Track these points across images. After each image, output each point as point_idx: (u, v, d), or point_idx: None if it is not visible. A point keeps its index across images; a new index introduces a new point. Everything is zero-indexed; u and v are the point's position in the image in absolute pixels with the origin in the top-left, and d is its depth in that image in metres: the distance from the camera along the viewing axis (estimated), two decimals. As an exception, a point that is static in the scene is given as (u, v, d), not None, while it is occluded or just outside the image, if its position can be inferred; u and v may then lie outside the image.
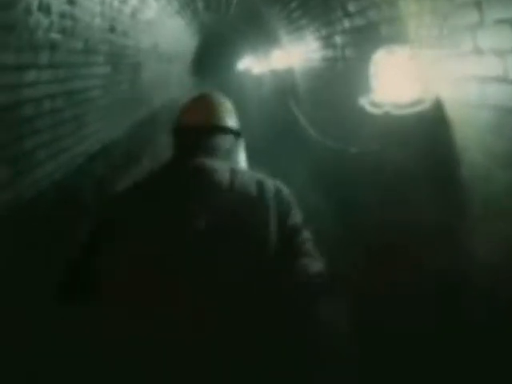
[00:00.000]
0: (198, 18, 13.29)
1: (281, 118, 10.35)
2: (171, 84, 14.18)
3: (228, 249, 2.09)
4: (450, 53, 2.75)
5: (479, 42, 2.46)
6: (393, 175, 3.83)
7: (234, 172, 2.31)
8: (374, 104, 3.19)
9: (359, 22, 4.54)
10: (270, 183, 2.34)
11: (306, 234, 2.27)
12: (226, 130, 2.53)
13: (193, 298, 2.01)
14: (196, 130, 2.48)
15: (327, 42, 6.11)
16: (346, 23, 5.02)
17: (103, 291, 2.13)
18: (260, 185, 2.28)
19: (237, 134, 2.60)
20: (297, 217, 2.30)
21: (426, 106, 3.01)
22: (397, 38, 3.47)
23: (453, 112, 2.92)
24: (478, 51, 2.48)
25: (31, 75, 4.29)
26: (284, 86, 10.51)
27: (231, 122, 2.59)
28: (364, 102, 3.28)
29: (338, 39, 5.53)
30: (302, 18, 7.27)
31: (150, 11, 8.84)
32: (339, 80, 5.86)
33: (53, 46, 4.64)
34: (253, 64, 17.45)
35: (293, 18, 7.88)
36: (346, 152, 4.56)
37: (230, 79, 20.97)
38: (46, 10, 4.28)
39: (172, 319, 2.02)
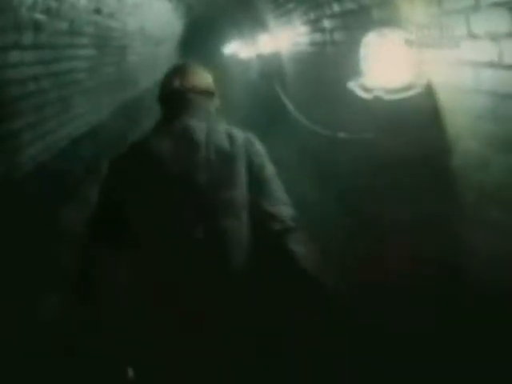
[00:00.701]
0: (184, 0, 13.19)
1: (267, 103, 10.30)
2: (158, 67, 14.10)
3: (209, 197, 2.43)
4: (444, 37, 2.70)
5: (474, 26, 2.42)
6: (383, 161, 3.80)
7: (209, 130, 2.56)
8: (364, 88, 3.15)
9: (350, 5, 4.49)
10: (241, 137, 2.61)
11: (278, 183, 2.58)
12: (203, 92, 2.76)
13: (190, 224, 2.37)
14: (175, 93, 2.72)
15: (315, 25, 6.05)
16: (336, 7, 4.96)
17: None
18: (231, 139, 2.57)
19: (212, 94, 2.83)
20: (269, 168, 2.60)
21: (417, 91, 2.96)
22: (389, 21, 3.43)
23: (446, 97, 2.88)
24: (473, 35, 2.44)
25: (15, 56, 4.22)
26: (271, 71, 10.46)
27: (206, 84, 2.82)
28: (354, 85, 3.23)
29: (327, 23, 5.48)
30: (289, 2, 7.20)
31: (137, -7, 8.76)
32: (327, 65, 5.82)
33: (37, 27, 4.57)
34: (240, 48, 17.37)
35: (280, 1, 7.81)
36: (335, 137, 4.52)
37: (217, 63, 20.88)
38: (29, -12, 4.21)
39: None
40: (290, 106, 7.45)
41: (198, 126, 2.57)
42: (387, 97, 3.01)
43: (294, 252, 2.35)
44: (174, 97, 2.72)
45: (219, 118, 2.80)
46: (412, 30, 2.98)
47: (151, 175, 2.47)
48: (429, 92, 2.97)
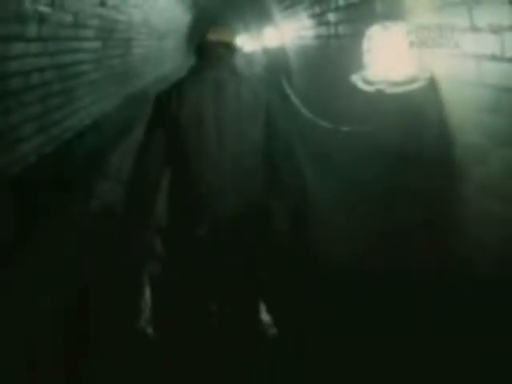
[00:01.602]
0: (190, -7, 13.20)
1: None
2: (163, 60, 14.11)
3: (234, 134, 3.11)
4: (446, 30, 2.69)
5: (476, 18, 2.41)
6: (385, 154, 3.79)
7: (237, 83, 3.18)
8: (367, 81, 3.14)
9: (353, -2, 4.49)
10: (265, 94, 3.23)
11: (287, 140, 3.25)
12: (229, 45, 3.32)
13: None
14: (208, 45, 3.26)
15: (320, 19, 6.05)
16: (340, 0, 4.96)
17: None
18: (257, 94, 3.18)
19: (235, 49, 3.40)
20: (282, 126, 3.24)
21: (420, 84, 2.96)
22: (392, 14, 3.42)
23: (448, 90, 2.87)
24: (475, 28, 2.42)
25: (18, 47, 4.22)
26: (276, 64, 10.46)
27: (232, 39, 3.40)
28: (356, 78, 3.23)
29: (332, 16, 5.47)
30: (295, -5, 7.21)
31: (142, -15, 8.74)
32: (332, 58, 5.81)
33: (41, 19, 4.57)
34: (245, 41, 17.37)
35: (286, -6, 7.82)
36: (338, 130, 4.52)
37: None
38: (33, -19, 4.20)
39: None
40: (294, 98, 7.45)
41: (228, 78, 3.18)
42: (390, 90, 3.00)
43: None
44: (207, 49, 3.26)
45: (243, 72, 3.42)
46: (415, 22, 2.97)
47: (187, 114, 3.09)
48: (431, 85, 2.96)
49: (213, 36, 3.27)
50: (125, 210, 3.25)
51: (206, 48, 3.26)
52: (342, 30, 5.22)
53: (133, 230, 3.17)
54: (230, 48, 3.31)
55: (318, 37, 6.45)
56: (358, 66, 3.24)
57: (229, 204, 3.10)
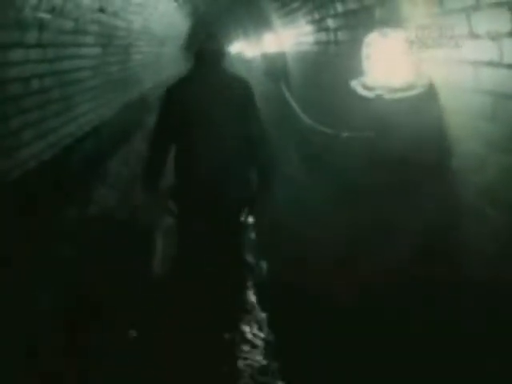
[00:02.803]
0: (190, 0, 13.20)
1: (271, 101, 10.29)
2: (162, 66, 14.11)
3: (222, 114, 4.13)
4: (445, 36, 2.70)
5: (475, 25, 2.42)
6: (383, 160, 3.79)
7: (222, 80, 4.28)
8: (366, 87, 3.15)
9: (352, 5, 4.49)
10: (241, 83, 4.38)
11: (263, 125, 4.34)
12: (220, 52, 4.37)
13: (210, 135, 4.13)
14: (203, 53, 4.26)
15: (319, 25, 6.06)
16: (339, 7, 4.97)
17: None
18: (239, 87, 4.30)
19: (224, 54, 4.45)
20: (258, 111, 4.34)
21: (419, 90, 2.96)
22: (391, 21, 3.43)
23: (446, 97, 2.88)
24: (474, 35, 2.43)
25: (18, 54, 4.23)
26: (275, 70, 10.47)
27: (223, 47, 4.47)
28: (356, 84, 3.24)
29: (331, 22, 5.48)
30: (294, 1, 7.21)
31: (141, -8, 8.74)
32: (331, 64, 5.82)
33: (41, 26, 4.58)
34: (245, 47, 17.39)
35: (285, 0, 7.82)
36: (337, 136, 4.53)
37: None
38: (33, -13, 4.21)
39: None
40: (294, 104, 7.45)
41: (217, 76, 4.25)
42: (388, 96, 3.01)
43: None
44: (201, 55, 4.26)
45: (230, 71, 4.51)
46: (413, 29, 2.98)
47: (188, 106, 4.11)
48: (429, 91, 2.96)
49: (205, 45, 4.27)
50: (142, 173, 4.35)
51: (201, 54, 4.27)
52: (341, 36, 5.23)
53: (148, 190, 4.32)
54: (219, 54, 4.33)
55: (317, 43, 6.46)
56: (358, 71, 3.25)
57: (220, 174, 4.09)
